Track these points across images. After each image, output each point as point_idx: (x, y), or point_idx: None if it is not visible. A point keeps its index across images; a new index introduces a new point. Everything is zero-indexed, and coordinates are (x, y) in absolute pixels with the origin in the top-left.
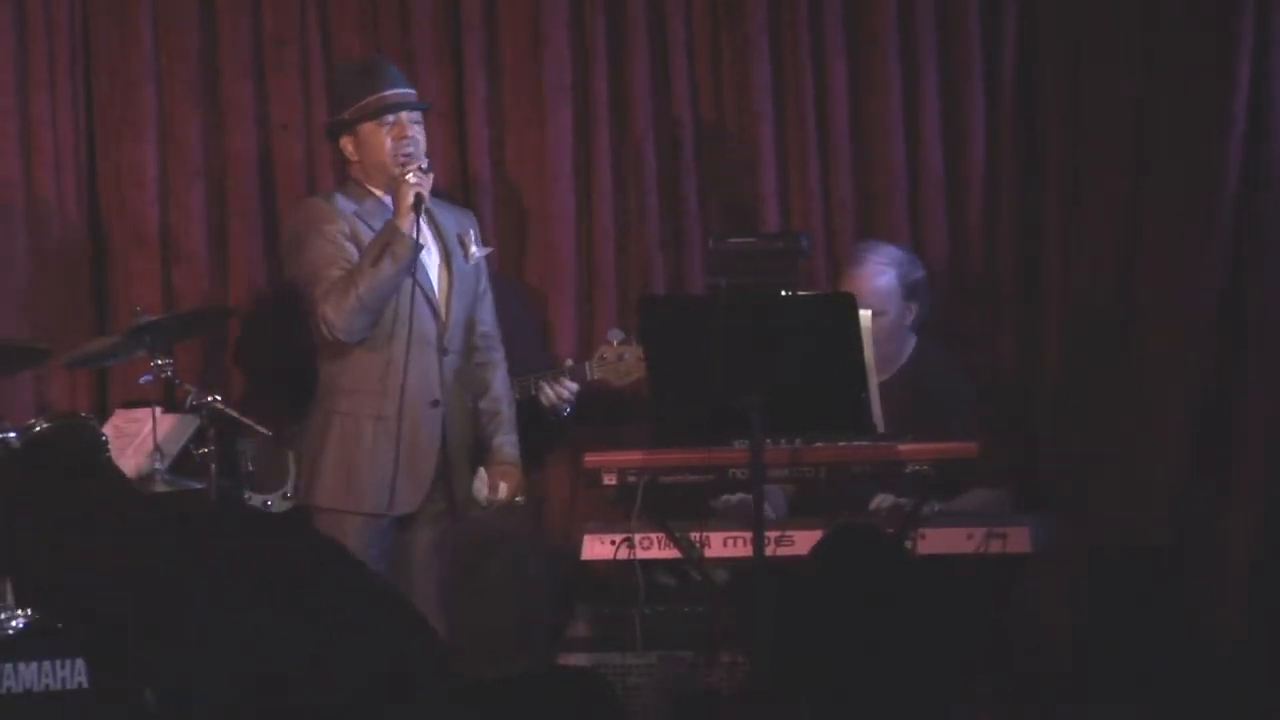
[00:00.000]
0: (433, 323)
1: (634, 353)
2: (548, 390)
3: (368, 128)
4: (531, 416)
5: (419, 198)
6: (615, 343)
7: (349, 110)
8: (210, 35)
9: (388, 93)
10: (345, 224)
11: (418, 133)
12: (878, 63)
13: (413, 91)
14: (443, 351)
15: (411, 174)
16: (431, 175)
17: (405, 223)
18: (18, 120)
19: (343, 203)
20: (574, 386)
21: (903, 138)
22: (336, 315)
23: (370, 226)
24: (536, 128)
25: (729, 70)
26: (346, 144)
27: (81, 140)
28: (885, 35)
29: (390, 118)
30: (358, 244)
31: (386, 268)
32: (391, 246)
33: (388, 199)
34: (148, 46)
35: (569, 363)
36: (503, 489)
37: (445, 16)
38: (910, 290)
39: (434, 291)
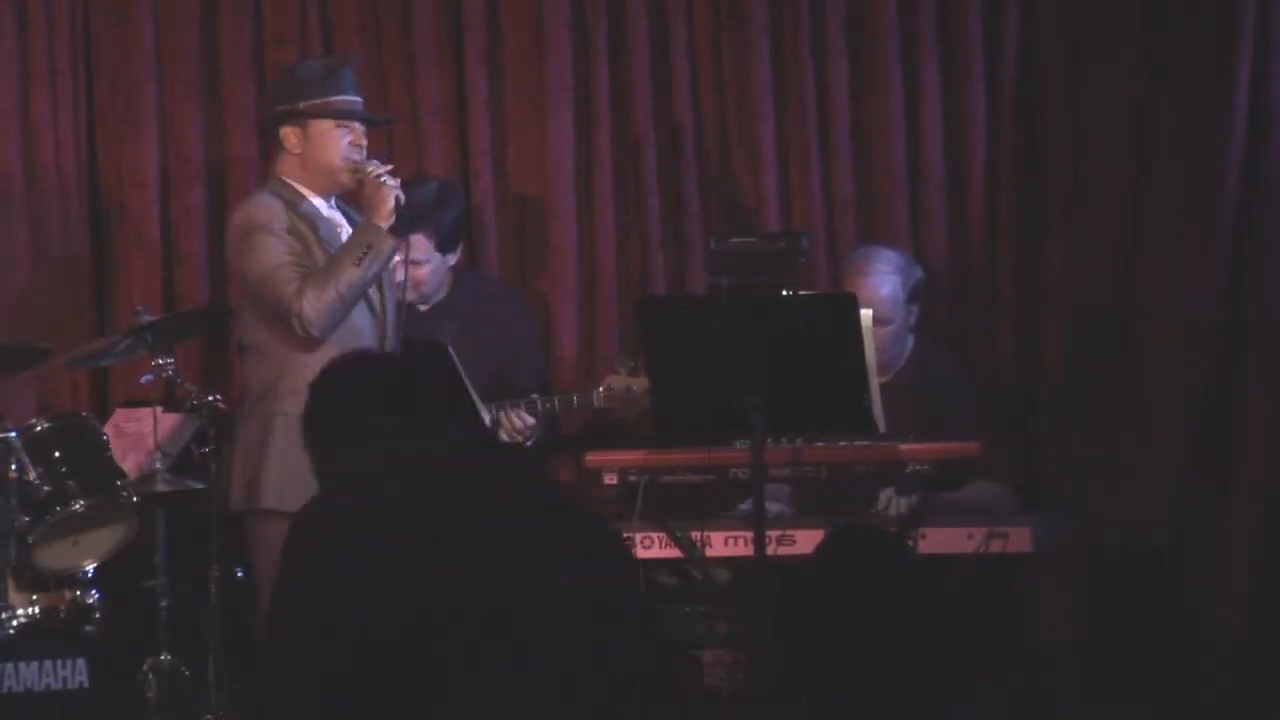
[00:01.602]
0: (372, 324)
1: (642, 384)
2: (504, 421)
3: (324, 126)
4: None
5: (398, 200)
6: (624, 372)
7: (307, 103)
8: (211, 36)
9: (350, 98)
10: (288, 221)
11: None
12: (879, 63)
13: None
14: (379, 349)
15: (387, 177)
16: (399, 180)
17: (387, 225)
18: (19, 120)
19: (278, 199)
20: (530, 420)
21: (904, 138)
22: (315, 312)
23: (309, 227)
24: (537, 128)
25: (730, 70)
26: (290, 135)
27: (82, 140)
28: (886, 35)
29: (348, 123)
30: (303, 243)
31: (370, 268)
32: (375, 248)
33: (317, 200)
34: (149, 47)
35: (533, 397)
36: None
37: (446, 17)
38: (912, 293)
39: (373, 294)
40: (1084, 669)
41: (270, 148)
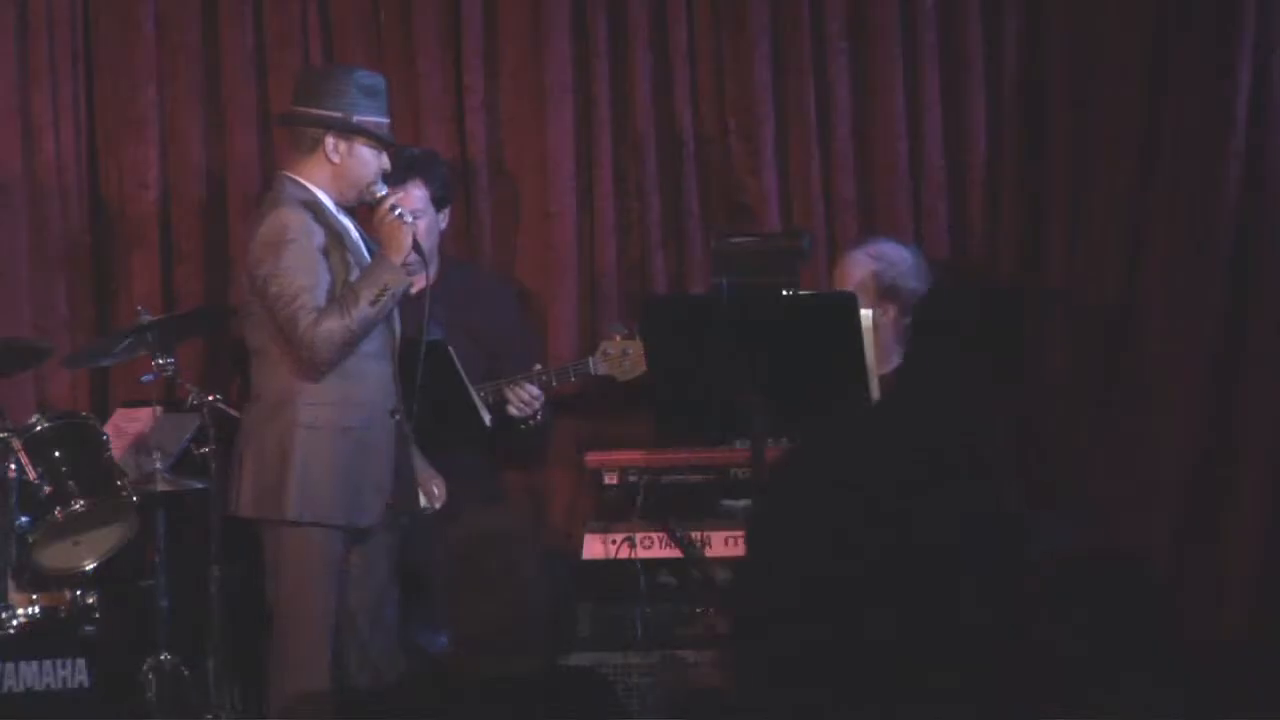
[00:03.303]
0: (385, 333)
1: (636, 348)
2: (511, 397)
3: (367, 148)
4: (501, 425)
5: (415, 240)
6: (618, 337)
7: (360, 118)
8: (211, 36)
9: (388, 121)
10: (323, 238)
11: None
12: (879, 63)
13: None
14: (393, 360)
15: (404, 212)
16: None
17: (402, 265)
18: (19, 120)
19: (310, 216)
20: (535, 391)
21: (904, 138)
22: (327, 349)
23: (330, 231)
24: (537, 128)
25: (730, 70)
26: (334, 144)
27: (83, 140)
28: (886, 35)
29: (385, 150)
30: (328, 258)
31: (385, 308)
32: (391, 290)
33: (329, 203)
34: (149, 47)
35: (537, 367)
36: (438, 492)
37: (446, 17)
38: (888, 291)
39: None
40: (1081, 670)
41: (293, 140)
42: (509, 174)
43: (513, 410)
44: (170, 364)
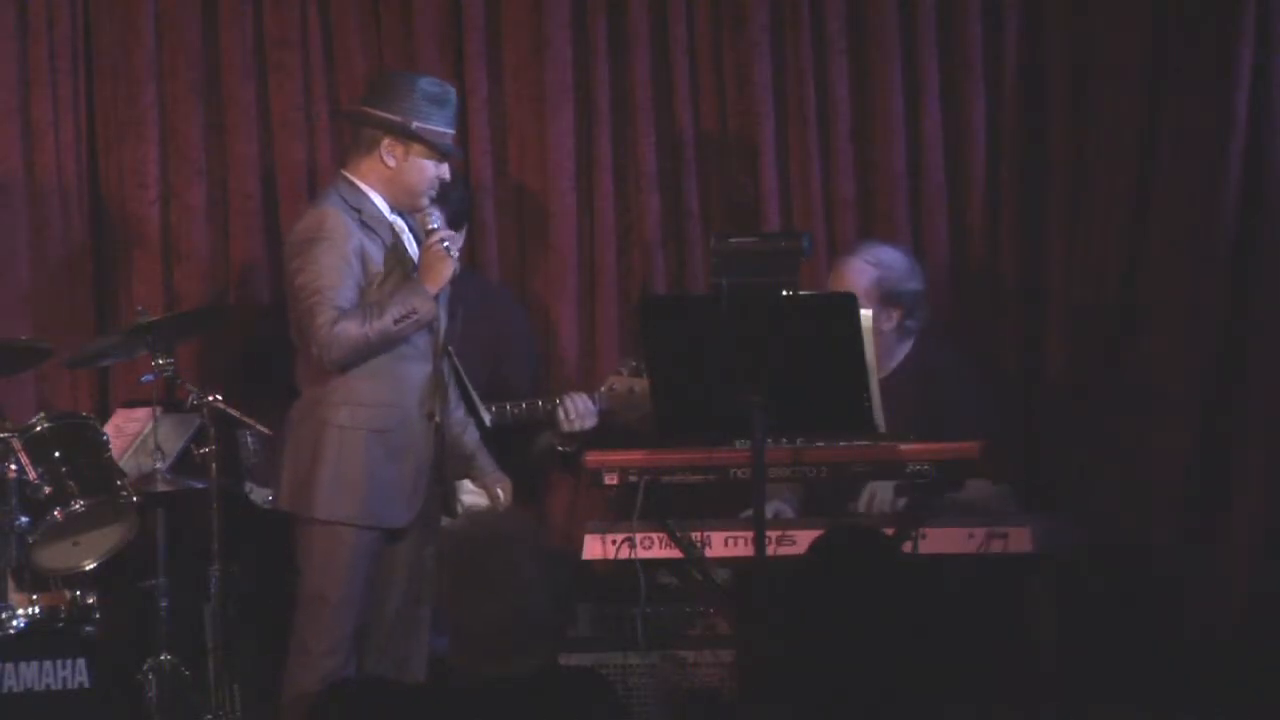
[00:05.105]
0: (428, 336)
1: (644, 386)
2: (561, 413)
3: (425, 158)
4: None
5: (455, 272)
6: (625, 373)
7: (419, 124)
8: (212, 35)
9: (452, 131)
10: (357, 240)
11: None
12: (879, 63)
13: None
14: (434, 363)
15: (451, 246)
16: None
17: (436, 294)
18: (19, 120)
19: (347, 212)
20: (592, 405)
21: (904, 138)
22: (340, 350)
23: (373, 235)
24: (538, 128)
25: (730, 70)
26: (390, 148)
27: (83, 140)
28: (886, 35)
29: (444, 161)
30: (364, 262)
31: (405, 330)
32: (418, 315)
33: (381, 204)
34: (149, 46)
35: (576, 396)
36: (503, 495)
37: (447, 17)
38: (890, 296)
39: None
40: (1082, 669)
41: (354, 138)
42: (510, 174)
43: (565, 426)
44: (170, 364)
